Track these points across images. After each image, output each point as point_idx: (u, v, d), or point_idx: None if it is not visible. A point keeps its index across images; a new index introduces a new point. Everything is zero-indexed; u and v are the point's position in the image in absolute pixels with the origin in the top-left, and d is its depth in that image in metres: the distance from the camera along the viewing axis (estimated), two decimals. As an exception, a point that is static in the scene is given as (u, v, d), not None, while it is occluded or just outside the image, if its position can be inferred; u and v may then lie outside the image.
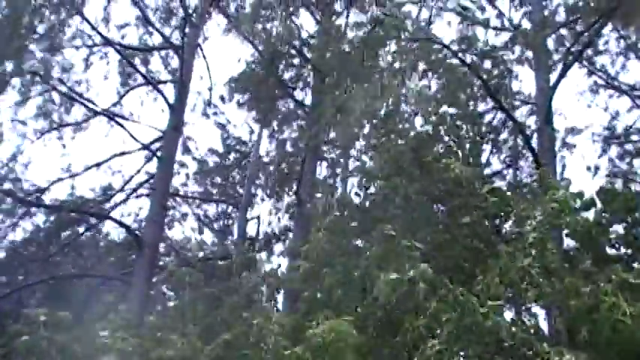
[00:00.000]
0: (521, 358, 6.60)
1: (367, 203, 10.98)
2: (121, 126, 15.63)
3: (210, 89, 18.56)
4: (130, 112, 17.03)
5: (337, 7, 14.36)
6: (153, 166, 16.64)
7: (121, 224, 16.32)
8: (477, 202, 8.83)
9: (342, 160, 16.20)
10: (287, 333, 8.44)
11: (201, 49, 16.98)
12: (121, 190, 18.26)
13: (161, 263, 17.47)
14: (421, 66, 11.55)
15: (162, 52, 17.48)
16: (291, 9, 14.11)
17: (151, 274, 14.22)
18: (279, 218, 19.70)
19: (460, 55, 11.86)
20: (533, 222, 7.32)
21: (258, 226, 19.44)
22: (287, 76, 15.44)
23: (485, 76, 12.15)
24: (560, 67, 12.77)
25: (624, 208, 7.50)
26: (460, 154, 10.65)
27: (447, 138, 11.15)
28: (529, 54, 13.33)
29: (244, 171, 20.18)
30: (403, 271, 6.94)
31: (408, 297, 6.91)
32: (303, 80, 15.41)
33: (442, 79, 12.13)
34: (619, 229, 7.69)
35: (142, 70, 17.02)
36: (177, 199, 20.26)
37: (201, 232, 21.11)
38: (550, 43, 13.80)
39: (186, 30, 16.23)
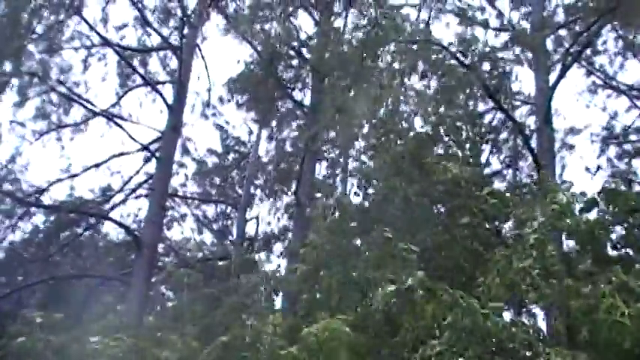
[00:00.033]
0: (521, 359, 6.62)
1: (367, 204, 10.99)
2: (120, 127, 15.63)
3: (209, 90, 18.57)
4: (129, 114, 17.03)
5: (336, 8, 14.36)
6: (152, 167, 16.64)
7: (120, 225, 16.32)
8: (476, 204, 8.85)
9: (341, 159, 16.20)
10: (284, 333, 8.44)
11: (200, 50, 16.99)
12: (120, 190, 18.26)
13: (160, 264, 17.51)
14: (420, 66, 11.56)
15: (161, 53, 17.46)
16: (290, 9, 14.12)
17: (150, 274, 14.22)
18: (278, 218, 19.75)
19: (459, 55, 11.86)
20: (534, 224, 7.33)
21: (257, 226, 19.47)
22: (286, 76, 15.45)
23: (484, 77, 12.17)
24: (559, 67, 12.79)
25: (627, 209, 7.51)
26: (460, 154, 10.68)
27: (446, 138, 11.18)
28: (528, 54, 13.35)
29: (243, 171, 20.17)
30: (400, 279, 6.92)
31: (406, 302, 6.91)
32: (302, 81, 15.41)
33: (441, 79, 12.14)
34: (620, 229, 7.72)
35: (141, 71, 17.00)
36: (176, 199, 20.25)
37: (200, 233, 21.14)
38: (549, 43, 13.82)
39: (185, 31, 16.24)
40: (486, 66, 12.87)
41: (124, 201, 18.30)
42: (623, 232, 7.68)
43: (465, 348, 6.46)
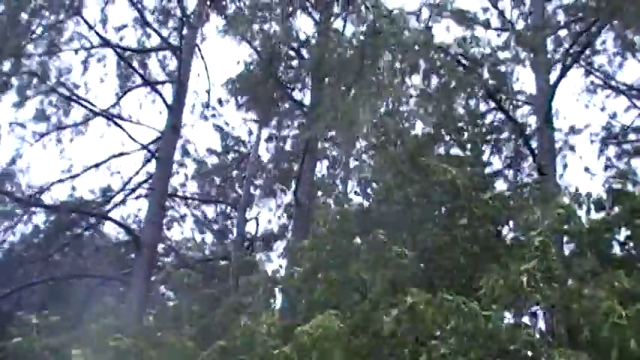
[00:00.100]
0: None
1: (367, 204, 10.99)
2: (120, 127, 15.65)
3: (208, 92, 18.58)
4: (129, 115, 17.04)
5: (336, 9, 14.35)
6: (152, 167, 16.66)
7: (120, 224, 16.34)
8: (476, 204, 8.86)
9: (342, 158, 16.20)
10: (279, 333, 8.42)
11: (200, 50, 17.00)
12: (121, 191, 18.28)
13: (160, 264, 17.52)
14: (421, 66, 11.55)
15: (160, 54, 17.47)
16: (290, 9, 14.11)
17: (150, 274, 14.23)
18: (279, 217, 19.79)
19: (460, 56, 11.87)
20: (538, 226, 7.36)
21: (257, 226, 19.49)
22: (286, 76, 15.44)
23: (485, 77, 12.18)
24: (559, 67, 12.80)
25: (634, 209, 7.53)
26: (461, 153, 10.69)
27: (447, 138, 11.18)
28: (529, 54, 13.36)
29: (243, 171, 20.18)
30: (403, 301, 6.91)
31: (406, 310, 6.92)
32: (301, 81, 15.41)
33: (442, 79, 12.14)
34: (625, 229, 7.74)
35: (140, 71, 17.00)
36: (176, 199, 20.26)
37: (202, 233, 21.15)
38: (549, 43, 13.83)
39: (184, 31, 16.25)
40: (487, 66, 12.89)
41: (123, 201, 18.34)
42: (629, 233, 7.70)
43: (467, 351, 6.47)
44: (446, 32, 13.22)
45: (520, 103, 14.98)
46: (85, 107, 16.23)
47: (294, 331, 7.34)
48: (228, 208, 21.09)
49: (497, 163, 15.08)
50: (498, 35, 14.18)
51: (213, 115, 19.66)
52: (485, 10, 14.42)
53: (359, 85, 11.07)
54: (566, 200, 7.58)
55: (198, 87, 22.18)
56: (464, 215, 9.01)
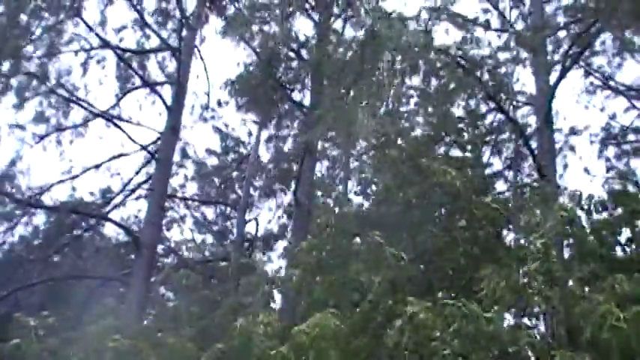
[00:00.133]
0: (525, 360, 6.68)
1: (366, 204, 11.00)
2: (119, 128, 15.65)
3: (208, 94, 18.57)
4: (129, 117, 17.05)
5: (335, 9, 14.36)
6: (152, 168, 16.64)
7: (120, 225, 16.34)
8: (477, 207, 8.86)
9: (342, 159, 16.20)
10: (277, 334, 8.39)
11: (199, 51, 17.00)
12: (120, 192, 18.28)
13: (160, 264, 17.51)
14: (421, 66, 11.56)
15: (160, 56, 17.46)
16: (290, 9, 14.11)
17: (150, 275, 14.22)
18: (279, 217, 19.80)
19: (459, 58, 11.87)
20: (539, 229, 7.37)
21: (257, 227, 19.48)
22: (285, 77, 15.44)
23: (485, 78, 12.18)
24: (558, 68, 12.81)
25: (635, 211, 7.54)
26: (461, 154, 10.70)
27: (447, 139, 11.18)
28: (528, 55, 13.37)
29: (243, 172, 20.18)
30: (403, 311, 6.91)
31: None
32: (301, 81, 15.40)
33: (442, 80, 12.15)
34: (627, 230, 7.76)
35: (140, 72, 17.00)
36: (176, 200, 20.26)
37: (201, 233, 21.15)
38: (549, 44, 13.84)
39: (184, 33, 16.25)
40: (487, 67, 12.90)
41: (122, 201, 18.35)
42: (630, 235, 7.72)
43: (468, 352, 6.48)
44: (445, 34, 13.23)
45: (520, 104, 15.01)
46: (85, 108, 16.24)
47: (291, 331, 7.34)
48: (228, 209, 21.08)
49: (497, 164, 15.12)
50: (499, 36, 14.21)
51: (213, 117, 19.68)
52: (486, 11, 14.43)
53: (358, 86, 11.06)
54: (568, 203, 7.59)
55: (198, 88, 22.17)
56: (463, 217, 9.02)
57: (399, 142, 11.00)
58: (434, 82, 12.59)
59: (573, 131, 16.08)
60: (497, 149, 15.03)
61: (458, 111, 12.48)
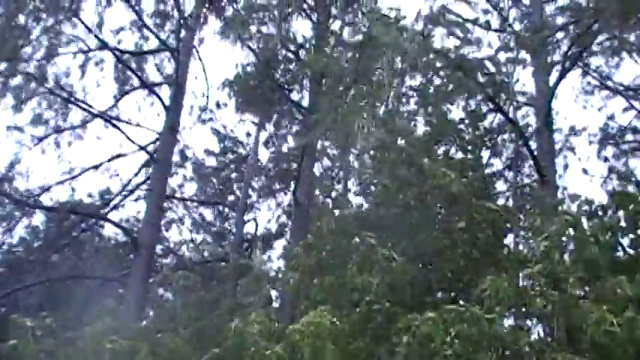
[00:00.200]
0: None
1: (366, 204, 10.99)
2: (118, 129, 15.65)
3: (207, 96, 18.57)
4: (128, 118, 17.04)
5: (334, 10, 14.36)
6: (151, 169, 16.63)
7: (118, 226, 16.35)
8: (476, 210, 8.86)
9: (342, 160, 16.17)
10: (272, 334, 8.38)
11: (198, 52, 17.00)
12: (119, 193, 18.27)
13: (158, 265, 17.51)
14: (419, 69, 11.57)
15: (158, 58, 17.44)
16: (289, 10, 14.11)
17: (148, 275, 14.23)
18: (278, 217, 19.80)
19: (459, 59, 11.87)
20: (540, 232, 7.39)
21: (256, 227, 19.47)
22: (283, 78, 15.44)
23: (484, 80, 12.18)
24: (558, 69, 12.82)
25: (637, 212, 7.54)
26: (461, 156, 10.69)
27: (447, 140, 11.18)
28: (528, 56, 13.38)
29: (241, 173, 20.18)
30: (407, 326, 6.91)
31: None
32: (299, 82, 15.40)
33: (442, 80, 12.15)
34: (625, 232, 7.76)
35: (138, 73, 16.99)
36: (174, 201, 20.25)
37: (198, 233, 21.13)
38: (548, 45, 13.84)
39: (182, 33, 16.25)
40: (486, 69, 12.90)
41: (121, 202, 18.34)
42: (633, 236, 7.72)
43: (470, 354, 6.48)
44: (445, 36, 13.25)
45: (520, 105, 15.00)
46: (83, 109, 16.23)
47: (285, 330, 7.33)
48: (227, 209, 21.08)
49: (497, 165, 15.10)
50: (499, 37, 14.21)
51: (211, 119, 19.67)
52: (486, 12, 14.44)
53: (357, 86, 11.07)
54: (571, 207, 7.62)
55: (197, 89, 22.14)
56: (462, 219, 9.01)
57: (399, 142, 10.99)
58: (433, 82, 12.58)
59: (573, 131, 16.07)
60: (497, 150, 15.01)
61: (458, 112, 12.49)
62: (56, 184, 17.15)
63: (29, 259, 18.01)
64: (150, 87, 16.66)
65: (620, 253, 7.81)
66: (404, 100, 13.23)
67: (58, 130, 16.61)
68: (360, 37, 11.33)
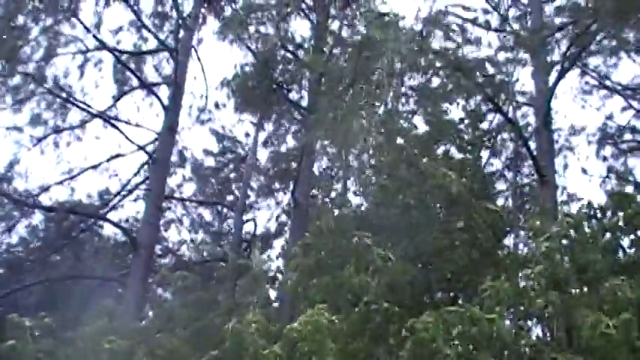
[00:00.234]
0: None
1: (365, 205, 10.98)
2: (117, 129, 15.64)
3: (205, 96, 18.56)
4: (128, 119, 17.04)
5: (332, 11, 14.37)
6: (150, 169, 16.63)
7: (117, 225, 16.33)
8: (476, 210, 8.86)
9: (341, 161, 16.17)
10: (271, 333, 8.38)
11: (196, 52, 17.00)
12: (118, 193, 18.26)
13: (157, 265, 17.50)
14: (419, 69, 11.56)
15: (157, 58, 17.44)
16: (288, 10, 14.12)
17: (147, 275, 14.22)
18: (277, 217, 19.79)
19: (458, 60, 11.87)
20: (540, 233, 7.40)
21: (255, 227, 19.46)
22: (282, 78, 15.44)
23: (484, 80, 12.19)
24: (557, 69, 12.81)
25: (637, 213, 7.55)
26: (460, 156, 10.69)
27: (446, 141, 11.18)
28: (527, 56, 13.37)
29: (240, 173, 20.18)
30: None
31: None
32: (298, 82, 15.40)
33: (442, 80, 12.15)
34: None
35: (137, 73, 16.99)
36: (173, 201, 20.24)
37: (196, 233, 21.13)
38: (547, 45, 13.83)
39: (181, 34, 16.25)
40: (486, 69, 12.90)
41: (120, 202, 18.33)
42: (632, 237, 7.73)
43: (471, 354, 6.49)
44: (444, 37, 13.24)
45: (520, 105, 15.00)
46: (82, 109, 16.22)
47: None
48: (225, 209, 21.07)
49: (496, 165, 15.11)
50: (498, 37, 14.21)
51: (210, 119, 19.66)
52: (486, 12, 14.43)
53: (356, 87, 11.07)
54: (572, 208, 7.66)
55: (195, 89, 22.12)
56: (461, 219, 9.02)
57: (399, 141, 10.99)
58: (433, 83, 12.58)
59: (572, 131, 16.08)
60: (497, 150, 15.02)
61: (457, 112, 12.49)
62: (55, 184, 17.15)
63: (28, 259, 18.01)
64: (149, 87, 16.66)
65: (620, 254, 7.82)
66: (403, 100, 13.21)
67: (57, 131, 16.60)
68: (359, 37, 11.31)
